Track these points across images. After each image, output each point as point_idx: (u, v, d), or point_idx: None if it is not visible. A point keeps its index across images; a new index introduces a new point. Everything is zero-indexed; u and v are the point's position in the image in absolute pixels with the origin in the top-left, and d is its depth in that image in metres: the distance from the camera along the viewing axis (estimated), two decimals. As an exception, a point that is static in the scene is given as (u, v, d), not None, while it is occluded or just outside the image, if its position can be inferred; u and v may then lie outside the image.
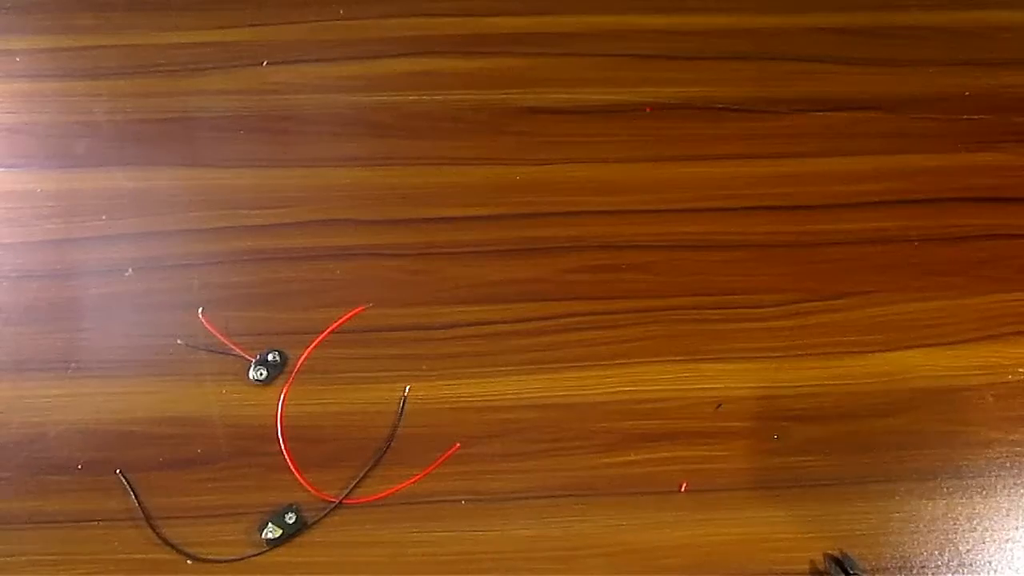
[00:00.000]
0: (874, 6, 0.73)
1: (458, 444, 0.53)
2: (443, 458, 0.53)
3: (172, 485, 0.52)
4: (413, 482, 0.52)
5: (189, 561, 0.49)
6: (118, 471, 0.52)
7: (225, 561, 0.49)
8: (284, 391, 0.54)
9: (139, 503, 0.51)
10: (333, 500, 0.51)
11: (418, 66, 0.68)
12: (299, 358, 0.56)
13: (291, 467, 0.52)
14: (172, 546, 0.50)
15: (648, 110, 0.67)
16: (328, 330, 0.56)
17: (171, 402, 0.54)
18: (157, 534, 0.50)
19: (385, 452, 0.53)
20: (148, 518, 0.51)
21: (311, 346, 0.56)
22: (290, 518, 0.50)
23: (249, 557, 0.50)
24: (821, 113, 0.67)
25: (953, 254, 0.61)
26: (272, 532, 0.50)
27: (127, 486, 0.51)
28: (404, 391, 0.55)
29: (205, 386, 0.55)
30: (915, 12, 0.72)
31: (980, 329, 0.58)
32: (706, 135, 0.65)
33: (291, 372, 0.55)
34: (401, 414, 0.54)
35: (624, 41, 0.70)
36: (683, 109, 0.67)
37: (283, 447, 0.52)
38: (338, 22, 0.71)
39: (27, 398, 0.54)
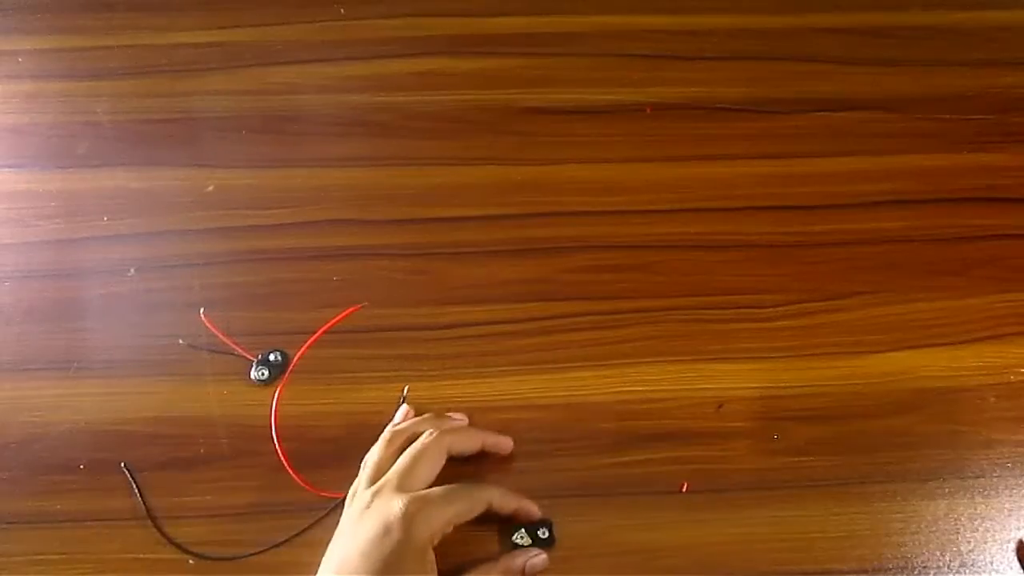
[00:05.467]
0: (875, 6, 0.73)
1: (459, 444, 0.53)
2: (444, 458, 0.53)
3: (174, 485, 0.52)
4: (414, 482, 0.52)
5: (191, 560, 0.50)
6: (123, 464, 0.52)
7: (227, 560, 0.50)
8: (278, 391, 0.54)
9: (143, 500, 0.51)
10: (334, 498, 0.51)
11: (418, 66, 0.68)
12: (294, 358, 0.55)
13: (285, 466, 0.52)
14: (174, 545, 0.50)
15: (648, 110, 0.67)
16: (322, 329, 0.56)
17: (173, 402, 0.54)
18: (160, 533, 0.50)
19: (386, 452, 0.53)
20: (151, 517, 0.51)
21: (305, 346, 0.56)
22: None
23: (250, 556, 0.50)
24: (822, 113, 0.66)
25: (954, 254, 0.60)
26: (523, 539, 0.49)
27: (131, 480, 0.51)
28: (403, 391, 0.55)
29: (207, 386, 0.55)
30: (916, 12, 0.72)
31: (982, 329, 0.57)
32: (707, 135, 0.65)
33: (286, 372, 0.55)
34: (402, 414, 0.54)
35: (624, 41, 0.70)
36: (683, 109, 0.67)
37: (277, 446, 0.52)
38: (339, 22, 0.71)
39: (29, 398, 0.54)
